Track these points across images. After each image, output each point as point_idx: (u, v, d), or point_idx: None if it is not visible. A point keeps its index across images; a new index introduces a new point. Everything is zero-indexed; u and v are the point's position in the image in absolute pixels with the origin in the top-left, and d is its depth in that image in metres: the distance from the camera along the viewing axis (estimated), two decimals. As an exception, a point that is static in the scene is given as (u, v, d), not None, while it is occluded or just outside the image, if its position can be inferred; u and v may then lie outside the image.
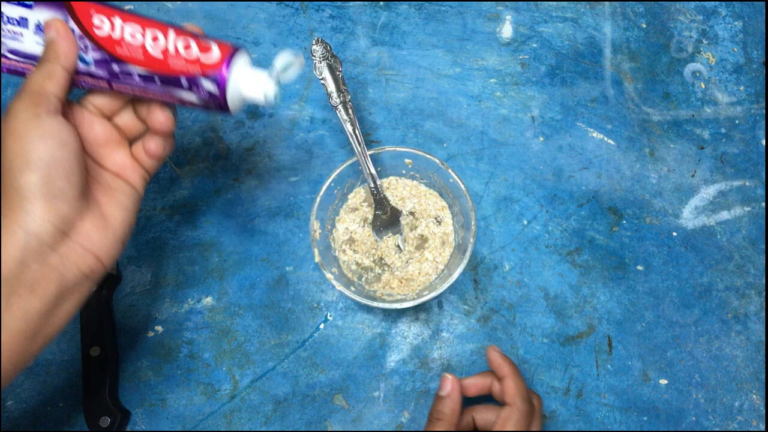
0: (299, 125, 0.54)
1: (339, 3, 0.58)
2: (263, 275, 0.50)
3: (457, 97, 0.55)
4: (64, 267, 0.31)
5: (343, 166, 0.45)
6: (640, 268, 0.50)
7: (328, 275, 0.43)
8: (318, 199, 0.44)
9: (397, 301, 0.44)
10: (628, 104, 0.55)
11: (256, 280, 0.50)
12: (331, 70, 0.46)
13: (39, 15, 0.33)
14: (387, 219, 0.48)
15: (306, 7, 0.58)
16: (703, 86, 0.56)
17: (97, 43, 0.33)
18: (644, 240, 0.51)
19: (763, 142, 0.54)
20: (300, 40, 0.57)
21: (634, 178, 0.53)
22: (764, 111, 0.55)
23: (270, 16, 0.57)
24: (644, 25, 0.58)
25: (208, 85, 0.34)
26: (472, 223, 0.43)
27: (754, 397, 0.47)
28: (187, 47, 0.34)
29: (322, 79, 0.46)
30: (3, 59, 0.34)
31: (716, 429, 0.47)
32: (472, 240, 0.43)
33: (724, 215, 0.52)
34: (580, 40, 0.57)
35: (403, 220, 0.49)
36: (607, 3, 0.58)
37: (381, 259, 0.48)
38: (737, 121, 0.55)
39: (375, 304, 0.43)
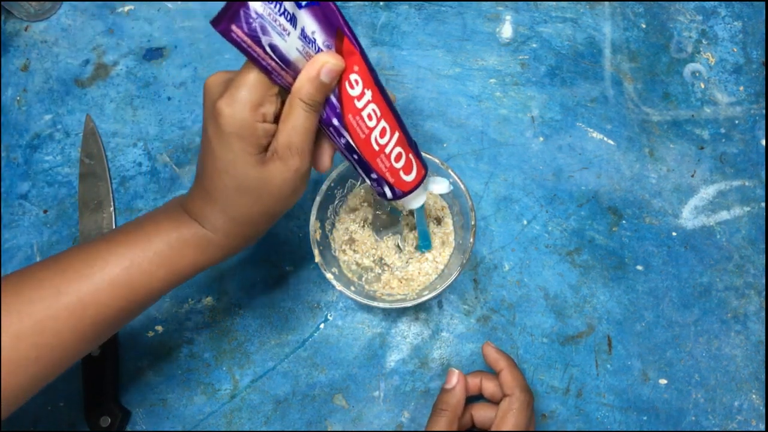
0: (299, 125, 0.54)
1: (339, 3, 0.58)
2: (263, 275, 0.50)
3: (457, 97, 0.55)
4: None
5: (343, 167, 0.45)
6: (639, 268, 0.50)
7: (328, 275, 0.43)
8: (318, 200, 0.44)
9: (397, 300, 0.44)
10: (628, 104, 0.55)
11: (256, 280, 0.50)
12: None
13: (306, 21, 0.30)
14: (387, 219, 0.48)
15: (306, 7, 0.58)
16: (703, 86, 0.56)
17: (339, 97, 0.33)
18: (644, 240, 0.51)
19: (763, 142, 0.54)
20: (300, 40, 0.57)
21: (634, 178, 0.53)
22: (764, 111, 0.55)
23: (270, 16, 0.57)
24: (644, 26, 0.58)
25: (387, 191, 0.37)
26: (472, 223, 0.43)
27: (754, 396, 0.47)
28: (398, 159, 0.36)
29: None
30: (258, 49, 0.29)
31: (716, 429, 0.47)
32: (471, 240, 0.43)
33: (724, 215, 0.52)
34: (580, 40, 0.57)
35: (403, 220, 0.49)
36: (606, 3, 0.58)
37: (381, 259, 0.48)
38: (737, 121, 0.55)
39: (375, 304, 0.43)
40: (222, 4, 0.29)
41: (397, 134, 0.35)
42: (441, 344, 0.48)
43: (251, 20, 0.28)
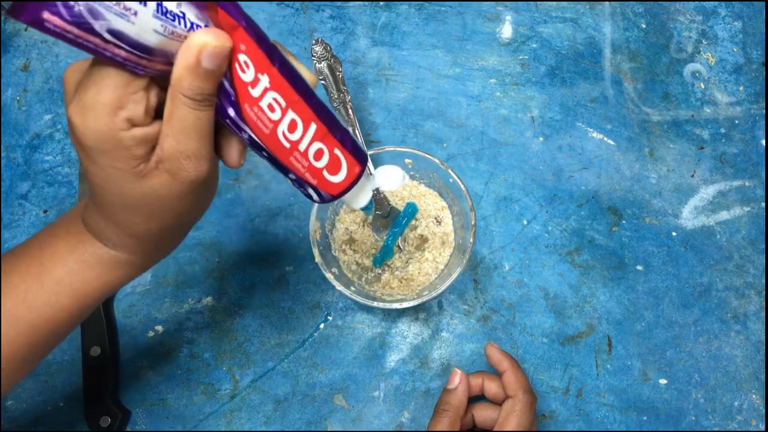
0: (299, 125, 0.54)
1: (339, 3, 0.58)
2: (263, 275, 0.50)
3: (457, 97, 0.55)
4: None
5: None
6: (639, 268, 0.50)
7: (329, 275, 0.43)
8: (318, 199, 0.44)
9: (397, 300, 0.44)
10: (628, 104, 0.55)
11: (256, 280, 0.50)
12: (331, 70, 0.46)
13: (171, 3, 0.23)
14: (387, 219, 0.48)
15: (306, 7, 0.58)
16: (703, 86, 0.56)
17: (232, 82, 0.26)
18: (644, 240, 0.51)
19: (763, 142, 0.54)
20: (300, 40, 0.57)
21: (634, 178, 0.53)
22: (764, 111, 0.55)
23: (270, 16, 0.57)
24: (644, 26, 0.58)
25: (312, 193, 0.31)
26: (472, 222, 0.43)
27: (754, 396, 0.47)
28: (319, 156, 0.29)
29: (322, 79, 0.46)
30: (93, 38, 0.21)
31: (715, 429, 0.47)
32: (471, 240, 0.43)
33: (724, 215, 0.52)
34: (580, 40, 0.57)
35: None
36: (606, 3, 0.58)
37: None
38: (737, 121, 0.55)
39: (375, 304, 0.43)
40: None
41: (313, 126, 0.28)
42: (441, 344, 0.48)
43: (71, 3, 0.20)
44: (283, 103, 0.27)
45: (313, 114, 0.28)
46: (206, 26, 0.24)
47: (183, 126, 0.25)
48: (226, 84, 0.26)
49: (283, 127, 0.27)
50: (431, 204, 0.49)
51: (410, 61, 0.56)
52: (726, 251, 0.51)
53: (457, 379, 0.41)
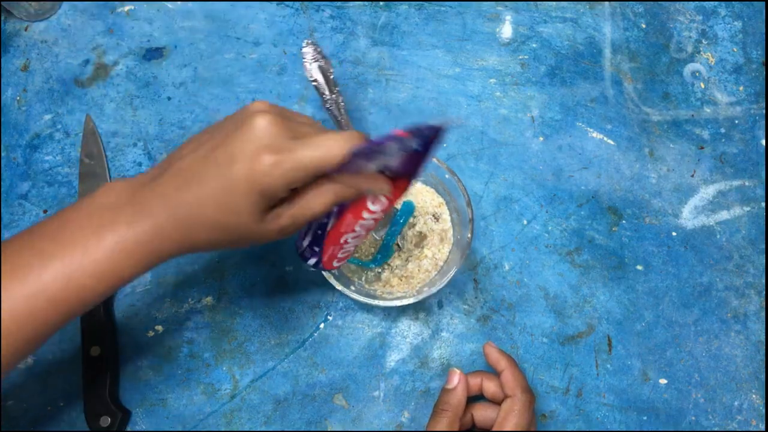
0: (299, 125, 0.54)
1: (339, 3, 0.58)
2: (263, 275, 0.50)
3: (457, 97, 0.55)
4: None
5: None
6: (639, 267, 0.50)
7: (328, 275, 0.43)
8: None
9: (397, 298, 0.44)
10: (628, 104, 0.55)
11: (256, 280, 0.50)
12: (323, 71, 0.46)
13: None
14: (386, 218, 0.48)
15: (306, 7, 0.58)
16: (703, 86, 0.56)
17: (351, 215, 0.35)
18: (644, 240, 0.51)
19: (763, 142, 0.54)
20: (300, 41, 0.57)
21: (634, 178, 0.53)
22: (764, 111, 0.55)
23: (270, 16, 0.58)
24: (644, 26, 0.58)
25: (311, 260, 0.39)
26: (470, 217, 0.43)
27: (754, 396, 0.47)
28: (344, 257, 0.39)
29: (313, 81, 0.46)
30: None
31: (716, 429, 0.47)
32: (469, 235, 0.43)
33: (724, 215, 0.52)
34: (580, 40, 0.57)
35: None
36: (606, 3, 0.58)
37: (381, 258, 0.48)
38: (737, 121, 0.55)
39: (376, 302, 0.43)
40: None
41: (353, 243, 0.38)
42: (441, 344, 0.48)
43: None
44: (366, 227, 0.37)
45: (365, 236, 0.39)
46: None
47: (311, 204, 0.33)
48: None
49: (351, 239, 0.38)
50: (428, 201, 0.49)
51: (410, 61, 0.56)
52: (726, 251, 0.51)
53: (455, 378, 0.41)
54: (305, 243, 0.38)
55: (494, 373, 0.42)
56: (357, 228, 0.36)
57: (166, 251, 0.32)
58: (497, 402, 0.41)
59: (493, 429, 0.39)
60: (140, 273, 0.32)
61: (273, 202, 0.32)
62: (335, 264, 0.39)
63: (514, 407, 0.39)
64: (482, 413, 0.41)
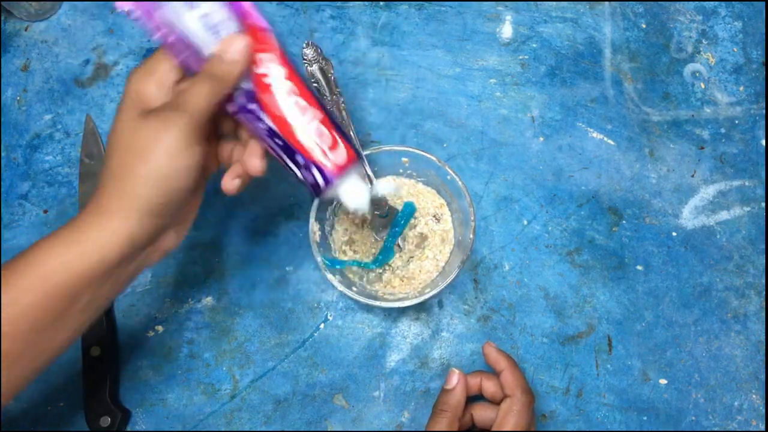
0: (299, 125, 0.54)
1: (339, 3, 0.58)
2: (263, 275, 0.50)
3: (457, 97, 0.55)
4: (137, 263, 0.34)
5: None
6: (639, 268, 0.50)
7: (329, 276, 0.43)
8: (316, 201, 0.44)
9: (398, 299, 0.44)
10: (628, 104, 0.55)
11: (256, 280, 0.50)
12: (323, 72, 0.46)
13: (209, 8, 0.32)
14: (386, 219, 0.48)
15: (306, 7, 0.58)
16: (703, 86, 0.56)
17: (251, 77, 0.33)
18: (644, 240, 0.51)
19: (763, 142, 0.54)
20: (300, 40, 0.57)
21: (634, 178, 0.53)
22: (764, 111, 0.55)
23: (270, 16, 0.57)
24: (644, 26, 0.58)
25: (317, 176, 0.36)
26: (471, 218, 0.43)
27: (754, 396, 0.47)
28: (322, 135, 0.35)
29: (314, 82, 0.46)
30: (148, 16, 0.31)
31: (716, 429, 0.47)
32: (471, 236, 0.43)
33: (724, 215, 0.52)
34: (580, 40, 0.57)
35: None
36: (606, 3, 0.58)
37: (381, 259, 0.48)
38: (737, 121, 0.55)
39: (377, 303, 0.43)
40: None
41: (318, 113, 0.35)
42: (441, 344, 0.48)
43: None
44: (296, 90, 0.34)
45: (317, 102, 0.35)
46: (237, 28, 0.33)
47: (194, 90, 0.32)
48: (247, 83, 0.34)
49: (294, 110, 0.34)
50: (430, 202, 0.49)
51: (410, 61, 0.56)
52: (726, 251, 0.51)
53: (455, 379, 0.41)
54: (292, 165, 0.36)
55: (494, 373, 0.42)
56: (287, 98, 0.34)
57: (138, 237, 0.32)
58: (496, 402, 0.41)
59: (493, 429, 0.39)
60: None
61: (152, 103, 0.32)
62: (348, 146, 0.36)
63: (513, 407, 0.39)
64: (482, 413, 0.41)
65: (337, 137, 0.36)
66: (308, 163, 0.35)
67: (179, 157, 0.32)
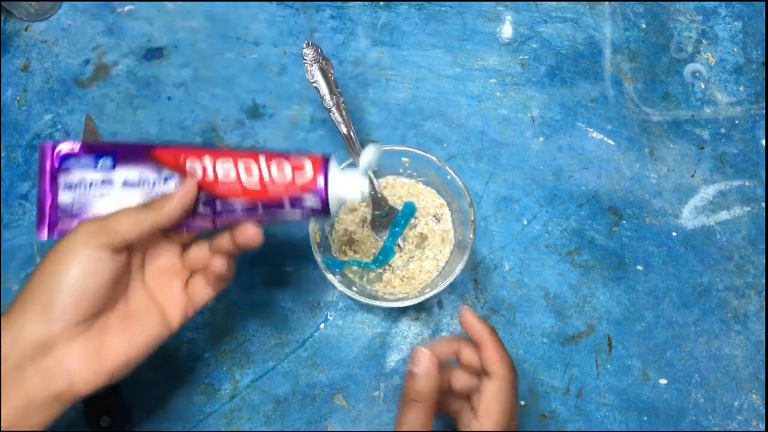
0: (299, 125, 0.54)
1: (339, 3, 0.58)
2: (263, 275, 0.50)
3: (457, 97, 0.55)
4: (33, 381, 0.31)
5: (341, 167, 0.45)
6: (639, 268, 0.50)
7: (330, 276, 0.43)
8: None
9: (399, 299, 0.44)
10: (628, 104, 0.55)
11: (256, 280, 0.50)
12: (323, 72, 0.46)
13: (125, 174, 0.34)
14: (386, 219, 0.48)
15: (306, 7, 0.58)
16: (703, 86, 0.56)
17: (204, 193, 0.34)
18: (644, 240, 0.51)
19: (763, 142, 0.54)
20: (300, 41, 0.57)
21: (634, 178, 0.53)
22: (764, 111, 0.55)
23: (270, 16, 0.58)
24: (644, 26, 0.58)
25: (311, 201, 0.35)
26: (471, 218, 0.43)
27: (754, 396, 0.47)
28: (281, 170, 0.34)
29: (314, 82, 0.46)
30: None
31: (716, 429, 0.47)
32: (472, 236, 0.43)
33: (724, 215, 0.52)
34: (580, 40, 0.57)
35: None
36: (606, 3, 0.58)
37: (381, 259, 0.48)
38: (737, 121, 0.55)
39: (378, 303, 0.43)
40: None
41: (261, 157, 0.35)
42: (441, 344, 0.48)
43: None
44: (230, 162, 0.34)
45: (251, 153, 0.35)
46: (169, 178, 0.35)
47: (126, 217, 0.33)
48: (202, 199, 0.35)
49: (243, 177, 0.34)
50: (430, 202, 0.49)
51: (410, 61, 0.56)
52: (726, 251, 0.51)
53: (425, 361, 0.33)
54: (287, 213, 0.35)
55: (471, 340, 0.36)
56: (228, 173, 0.34)
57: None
58: (474, 373, 0.36)
59: (478, 419, 0.33)
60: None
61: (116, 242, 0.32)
62: (303, 155, 0.35)
63: (499, 393, 0.33)
64: (461, 380, 0.36)
65: (289, 158, 0.35)
66: (295, 200, 0.34)
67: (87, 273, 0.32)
